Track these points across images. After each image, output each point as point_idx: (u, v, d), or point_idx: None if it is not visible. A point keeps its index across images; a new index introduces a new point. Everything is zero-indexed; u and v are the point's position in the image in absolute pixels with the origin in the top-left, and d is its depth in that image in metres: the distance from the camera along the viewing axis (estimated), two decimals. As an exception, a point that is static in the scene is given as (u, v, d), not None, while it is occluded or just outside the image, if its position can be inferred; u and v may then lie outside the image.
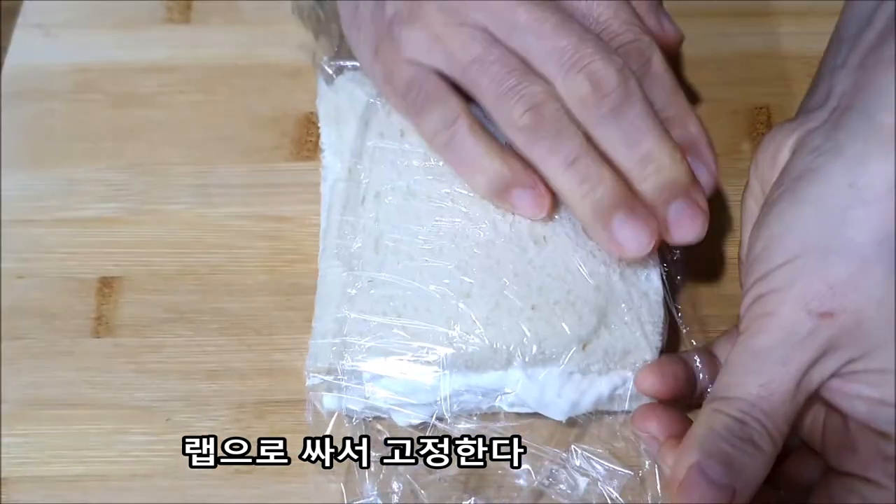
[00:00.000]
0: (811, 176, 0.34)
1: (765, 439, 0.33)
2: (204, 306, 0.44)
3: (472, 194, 0.41)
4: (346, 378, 0.38)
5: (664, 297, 0.39)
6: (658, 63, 0.40)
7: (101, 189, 0.47)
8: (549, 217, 0.40)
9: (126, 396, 0.41)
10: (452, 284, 0.39)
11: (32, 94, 0.49)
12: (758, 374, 0.34)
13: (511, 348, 0.38)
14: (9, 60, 0.50)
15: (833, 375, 0.34)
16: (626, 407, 0.39)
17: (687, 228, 0.37)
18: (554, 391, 0.38)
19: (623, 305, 0.39)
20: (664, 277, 0.40)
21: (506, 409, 0.40)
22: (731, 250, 0.45)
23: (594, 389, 0.39)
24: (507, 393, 0.39)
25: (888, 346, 0.33)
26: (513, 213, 0.40)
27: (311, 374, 0.39)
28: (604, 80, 0.37)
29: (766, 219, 0.35)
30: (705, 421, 0.34)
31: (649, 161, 0.37)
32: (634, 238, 0.37)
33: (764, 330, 0.34)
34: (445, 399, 0.38)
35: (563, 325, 0.38)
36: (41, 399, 0.41)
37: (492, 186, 0.40)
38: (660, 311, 0.39)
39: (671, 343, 0.40)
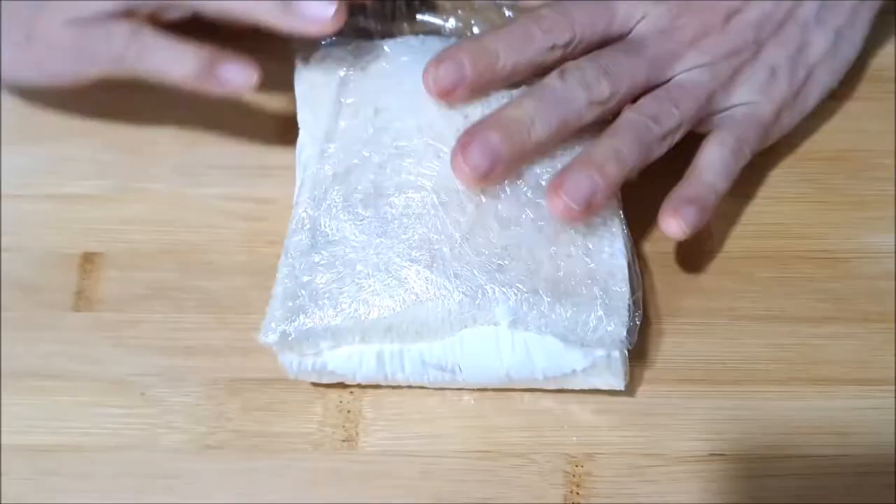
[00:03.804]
0: None
1: None
2: (183, 284, 0.44)
3: (441, 174, 0.40)
4: (300, 343, 0.38)
5: (630, 279, 0.39)
6: None
7: (88, 167, 0.48)
8: (517, 200, 0.40)
9: (103, 370, 0.42)
10: (414, 256, 0.39)
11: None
12: None
13: (466, 308, 0.38)
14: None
15: None
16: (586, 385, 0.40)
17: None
18: (508, 354, 0.39)
19: (589, 282, 0.38)
20: (631, 260, 0.40)
21: (464, 386, 0.40)
22: (710, 244, 0.45)
23: (560, 360, 0.39)
24: (465, 367, 0.39)
25: None
26: (479, 195, 0.40)
27: (268, 335, 0.38)
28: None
29: None
30: None
31: None
32: None
33: None
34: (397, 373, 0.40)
35: (524, 294, 0.38)
36: (19, 370, 0.42)
37: (196, 69, 0.42)
38: (626, 292, 0.39)
39: (642, 331, 0.40)
